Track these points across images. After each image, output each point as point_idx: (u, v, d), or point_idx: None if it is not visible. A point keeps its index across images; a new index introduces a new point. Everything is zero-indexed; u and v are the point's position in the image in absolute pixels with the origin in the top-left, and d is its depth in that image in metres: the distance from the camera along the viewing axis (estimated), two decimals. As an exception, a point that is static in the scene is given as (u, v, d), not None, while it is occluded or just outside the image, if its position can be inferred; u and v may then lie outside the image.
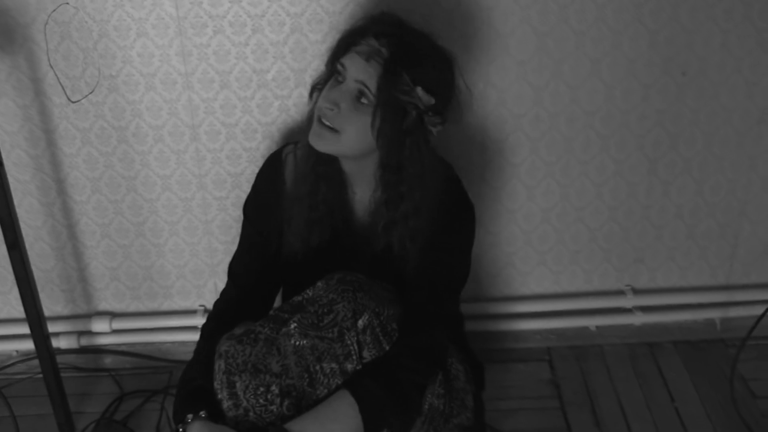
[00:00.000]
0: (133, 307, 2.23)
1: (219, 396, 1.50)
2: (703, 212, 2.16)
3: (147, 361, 2.24)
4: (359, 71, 1.52)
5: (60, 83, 1.89)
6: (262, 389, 1.47)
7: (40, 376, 1.96)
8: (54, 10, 1.81)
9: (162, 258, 2.15)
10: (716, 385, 2.14)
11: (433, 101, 1.53)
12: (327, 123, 1.54)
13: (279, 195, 1.70)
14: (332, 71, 1.57)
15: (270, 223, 1.71)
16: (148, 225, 2.10)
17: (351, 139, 1.54)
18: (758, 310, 2.04)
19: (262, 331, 1.52)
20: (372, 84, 1.51)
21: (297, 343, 1.49)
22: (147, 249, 2.13)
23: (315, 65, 1.88)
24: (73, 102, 1.92)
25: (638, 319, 2.28)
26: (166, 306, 2.23)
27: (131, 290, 2.20)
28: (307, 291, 1.58)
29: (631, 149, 2.05)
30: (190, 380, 1.58)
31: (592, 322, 2.30)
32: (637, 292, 2.27)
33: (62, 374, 2.00)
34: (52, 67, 1.87)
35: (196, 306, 2.22)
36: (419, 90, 1.51)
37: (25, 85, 1.90)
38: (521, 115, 1.98)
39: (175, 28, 1.84)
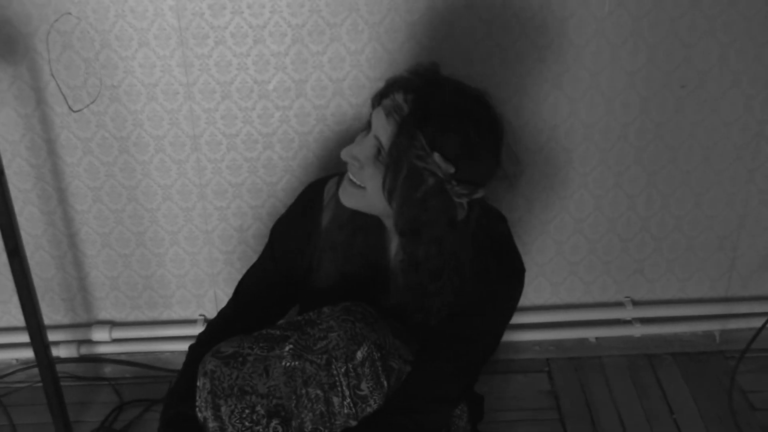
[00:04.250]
0: (133, 317, 2.23)
1: (202, 414, 1.47)
2: (702, 224, 2.16)
3: (147, 371, 2.24)
4: (378, 127, 1.41)
5: (62, 93, 1.90)
6: (247, 411, 1.44)
7: (40, 384, 1.96)
8: (56, 20, 1.82)
9: (162, 267, 2.15)
10: (715, 397, 2.14)
11: (452, 170, 1.38)
12: (352, 178, 1.47)
13: (312, 231, 1.62)
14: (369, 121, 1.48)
15: (293, 253, 1.64)
16: (149, 234, 2.10)
17: (373, 197, 1.44)
18: (757, 323, 2.05)
19: (251, 352, 1.48)
20: (386, 142, 1.40)
21: (288, 364, 1.45)
22: (147, 258, 2.14)
23: (316, 76, 1.89)
24: (74, 111, 1.93)
25: (637, 331, 2.28)
26: (166, 315, 2.23)
27: (131, 299, 2.20)
28: (310, 313, 1.52)
29: (630, 161, 2.06)
30: (171, 405, 1.56)
31: (591, 334, 2.30)
32: (636, 303, 2.27)
33: (62, 383, 2.00)
34: (54, 76, 1.88)
35: (196, 315, 2.22)
36: (436, 156, 1.36)
37: (26, 95, 1.91)
38: (520, 127, 1.99)
39: (177, 39, 1.85)
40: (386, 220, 1.54)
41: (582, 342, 2.31)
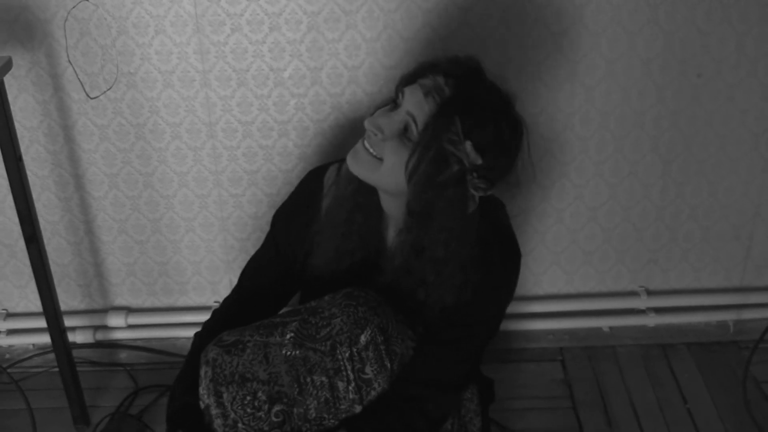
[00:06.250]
0: (148, 303, 2.25)
1: (205, 401, 1.49)
2: (717, 214, 2.16)
3: (162, 357, 2.26)
4: (413, 103, 1.42)
5: (79, 79, 1.91)
6: (249, 398, 1.46)
7: (56, 369, 1.99)
8: (74, 7, 1.83)
9: (178, 254, 2.17)
10: (729, 387, 2.14)
11: (479, 161, 1.41)
12: (369, 148, 1.46)
13: (312, 215, 1.63)
14: (394, 97, 1.48)
15: (294, 240, 1.65)
16: (165, 221, 2.11)
17: (389, 172, 1.44)
18: (772, 313, 2.04)
19: (251, 339, 1.49)
20: (421, 120, 1.40)
21: (288, 353, 1.47)
22: (163, 245, 2.15)
23: (331, 64, 1.90)
24: (91, 98, 1.94)
25: (651, 321, 2.28)
26: (181, 302, 2.25)
27: (147, 286, 2.22)
28: (312, 302, 1.54)
29: (645, 150, 2.05)
30: (177, 395, 1.58)
31: (605, 323, 2.30)
32: (650, 293, 2.27)
33: (78, 368, 2.02)
34: (71, 63, 1.89)
35: (211, 302, 2.23)
36: (468, 144, 1.39)
37: (44, 81, 1.92)
38: (535, 115, 1.99)
39: (193, 26, 1.86)
40: (387, 198, 1.54)
41: (596, 331, 2.31)
